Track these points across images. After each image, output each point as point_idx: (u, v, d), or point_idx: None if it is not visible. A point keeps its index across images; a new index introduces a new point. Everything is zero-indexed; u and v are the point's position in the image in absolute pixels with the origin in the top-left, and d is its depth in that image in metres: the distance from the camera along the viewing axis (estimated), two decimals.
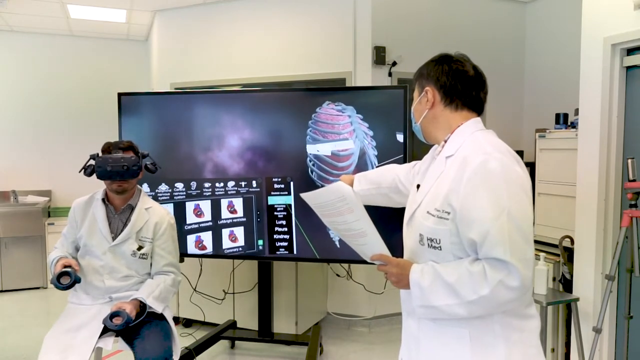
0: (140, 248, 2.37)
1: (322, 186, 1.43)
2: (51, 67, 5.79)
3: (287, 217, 3.08)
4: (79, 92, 5.88)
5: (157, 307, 2.31)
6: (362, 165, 2.89)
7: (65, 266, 2.20)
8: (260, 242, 3.16)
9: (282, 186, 3.07)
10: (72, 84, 5.86)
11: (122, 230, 2.38)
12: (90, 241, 2.38)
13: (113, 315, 2.17)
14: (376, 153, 2.83)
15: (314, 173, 2.95)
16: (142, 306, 2.28)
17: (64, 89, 5.84)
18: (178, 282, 2.48)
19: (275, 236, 3.13)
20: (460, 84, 1.37)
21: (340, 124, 2.82)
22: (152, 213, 2.44)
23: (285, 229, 3.09)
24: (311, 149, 2.97)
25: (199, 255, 3.29)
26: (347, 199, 1.29)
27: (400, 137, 2.87)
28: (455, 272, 1.25)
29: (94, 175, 2.33)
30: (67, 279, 2.16)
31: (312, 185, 2.99)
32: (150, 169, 2.44)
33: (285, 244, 3.12)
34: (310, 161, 2.97)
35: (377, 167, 2.68)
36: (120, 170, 2.27)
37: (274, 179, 3.08)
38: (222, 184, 3.15)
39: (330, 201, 1.32)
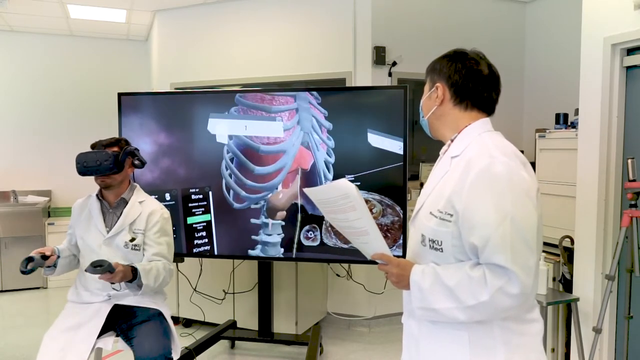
0: (133, 239, 2.39)
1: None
2: (51, 67, 5.79)
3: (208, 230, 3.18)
4: (79, 92, 5.87)
5: (147, 281, 2.22)
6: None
7: (41, 254, 2.22)
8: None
9: (201, 196, 3.19)
10: (72, 84, 5.86)
11: (116, 223, 2.41)
12: (87, 236, 2.42)
13: (96, 265, 2.05)
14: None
15: (232, 176, 3.16)
16: (133, 271, 2.19)
17: (63, 89, 5.83)
18: (170, 269, 2.40)
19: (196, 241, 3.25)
20: (473, 83, 1.34)
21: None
22: (145, 206, 2.46)
23: (206, 240, 3.21)
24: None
25: (198, 255, 3.29)
26: (350, 197, 1.28)
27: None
28: (456, 275, 1.23)
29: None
30: (31, 265, 2.17)
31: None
32: (136, 164, 2.46)
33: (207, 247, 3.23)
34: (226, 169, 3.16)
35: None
36: (93, 166, 2.31)
37: (191, 190, 3.19)
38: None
39: (333, 198, 1.32)
